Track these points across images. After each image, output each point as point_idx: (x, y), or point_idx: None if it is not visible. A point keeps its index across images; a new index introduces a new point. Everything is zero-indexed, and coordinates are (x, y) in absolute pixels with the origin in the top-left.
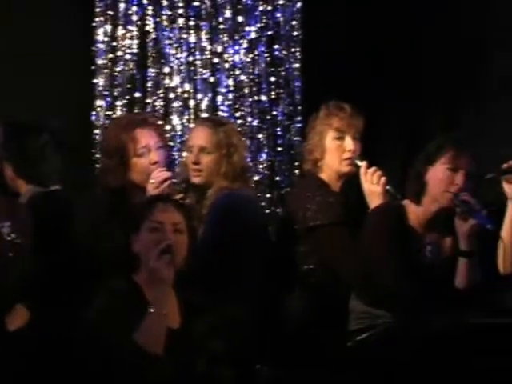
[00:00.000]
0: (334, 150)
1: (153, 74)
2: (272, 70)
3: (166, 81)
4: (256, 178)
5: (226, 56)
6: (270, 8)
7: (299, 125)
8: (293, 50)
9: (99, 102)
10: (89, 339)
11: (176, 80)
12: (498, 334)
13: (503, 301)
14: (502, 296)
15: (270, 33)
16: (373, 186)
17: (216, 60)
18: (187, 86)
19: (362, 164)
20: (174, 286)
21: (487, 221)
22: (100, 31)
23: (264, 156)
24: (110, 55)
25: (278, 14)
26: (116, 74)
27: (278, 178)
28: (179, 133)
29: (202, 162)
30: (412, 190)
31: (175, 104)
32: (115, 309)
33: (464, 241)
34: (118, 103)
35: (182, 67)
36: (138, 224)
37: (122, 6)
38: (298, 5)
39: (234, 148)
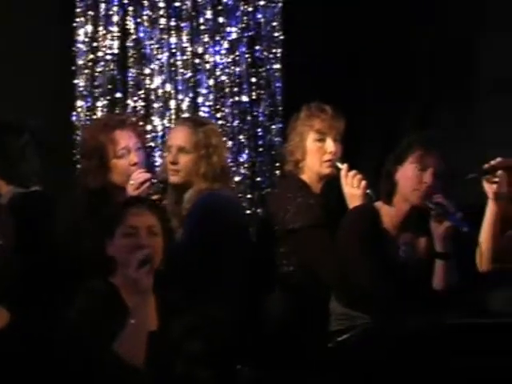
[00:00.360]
0: (315, 152)
1: (134, 75)
2: (253, 70)
3: (147, 81)
4: (237, 178)
5: (206, 57)
6: (250, 9)
7: (280, 125)
8: (274, 50)
9: (80, 103)
10: (70, 340)
11: (157, 81)
12: (475, 334)
13: (482, 301)
14: (481, 296)
15: (250, 33)
16: (353, 189)
17: (197, 61)
18: (168, 87)
19: (343, 167)
20: (153, 286)
21: (462, 223)
22: (81, 31)
23: (245, 157)
24: (91, 56)
25: (259, 15)
26: (97, 74)
27: (258, 179)
28: (160, 133)
29: (181, 161)
30: (383, 190)
31: (156, 105)
32: (94, 309)
33: (440, 243)
34: (99, 104)
35: (162, 68)
36: (112, 229)
37: (102, 6)
38: (279, 6)
39: (214, 149)
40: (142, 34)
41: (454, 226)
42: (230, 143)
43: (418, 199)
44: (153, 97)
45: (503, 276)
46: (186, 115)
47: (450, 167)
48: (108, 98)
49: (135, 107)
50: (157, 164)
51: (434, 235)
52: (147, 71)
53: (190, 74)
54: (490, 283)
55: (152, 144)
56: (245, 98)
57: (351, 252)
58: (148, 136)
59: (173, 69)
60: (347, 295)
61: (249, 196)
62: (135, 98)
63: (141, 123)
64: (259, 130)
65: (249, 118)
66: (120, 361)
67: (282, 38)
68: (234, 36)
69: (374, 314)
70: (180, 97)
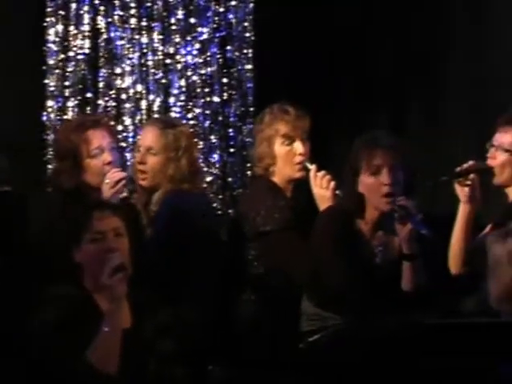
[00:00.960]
0: (285, 156)
1: (105, 75)
2: (224, 71)
3: (118, 81)
4: (208, 179)
5: (178, 57)
6: (222, 9)
7: (251, 126)
8: (245, 51)
9: (50, 103)
10: (42, 347)
11: (128, 81)
12: (446, 335)
13: (453, 302)
14: (452, 297)
15: (222, 34)
16: (322, 190)
17: (168, 61)
18: (139, 87)
19: (312, 167)
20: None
21: (422, 226)
22: (51, 31)
23: (216, 157)
24: (62, 55)
25: (231, 15)
26: (67, 74)
27: (230, 180)
28: (131, 134)
29: (148, 162)
30: (353, 206)
31: (127, 105)
32: (68, 316)
33: (404, 244)
34: (70, 104)
35: (134, 68)
36: (78, 235)
37: (73, 5)
38: (250, 6)
39: (183, 151)
40: (113, 34)
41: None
42: (201, 144)
43: (386, 205)
44: (124, 97)
45: (474, 278)
46: (157, 115)
47: (407, 158)
48: (79, 97)
49: (106, 107)
50: (128, 164)
51: (399, 237)
52: (118, 71)
53: (161, 75)
54: (461, 285)
55: (123, 144)
56: (216, 99)
57: (325, 253)
58: (119, 136)
59: (144, 69)
60: (319, 296)
61: (220, 196)
62: (106, 98)
63: (112, 123)
64: (230, 130)
65: (220, 118)
66: (93, 369)
67: (253, 38)
68: (205, 36)
69: (346, 315)
70: (151, 97)
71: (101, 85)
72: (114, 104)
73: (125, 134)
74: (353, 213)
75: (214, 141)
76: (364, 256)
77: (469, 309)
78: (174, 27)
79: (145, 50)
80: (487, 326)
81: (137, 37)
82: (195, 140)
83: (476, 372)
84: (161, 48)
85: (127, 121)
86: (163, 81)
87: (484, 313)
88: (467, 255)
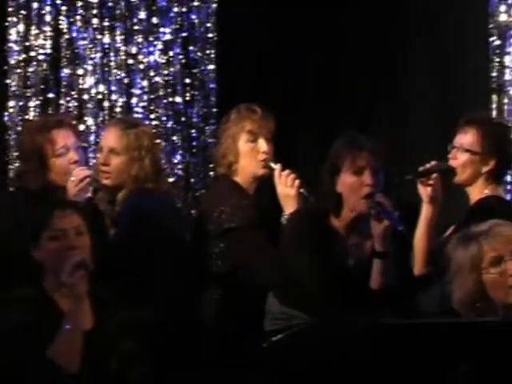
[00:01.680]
0: (248, 153)
1: (67, 75)
2: (187, 71)
3: (80, 81)
4: (171, 179)
5: (140, 57)
6: (184, 9)
7: (214, 127)
8: (208, 51)
9: (12, 103)
10: (3, 347)
11: (90, 81)
12: (407, 334)
13: (416, 302)
14: (415, 297)
15: (184, 34)
16: (287, 188)
17: (131, 61)
18: (101, 87)
19: (276, 167)
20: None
21: (398, 222)
22: (13, 31)
23: (179, 157)
24: (23, 55)
25: (193, 16)
26: (29, 74)
27: (192, 180)
28: (93, 134)
29: (112, 163)
30: (329, 205)
31: (89, 105)
32: (29, 318)
33: (378, 242)
34: (31, 104)
35: (96, 68)
36: (37, 234)
37: (35, 5)
38: (213, 6)
39: (146, 151)
40: (75, 34)
41: (391, 224)
42: (163, 144)
43: (364, 206)
44: (86, 97)
45: (437, 278)
46: (119, 116)
47: (384, 159)
48: (41, 98)
49: (68, 107)
50: (90, 164)
51: (373, 234)
52: (80, 71)
53: (123, 75)
54: (423, 285)
55: (85, 144)
56: (179, 99)
57: (297, 251)
58: (81, 136)
59: (106, 69)
60: (289, 294)
61: (183, 197)
62: (68, 98)
63: (74, 123)
64: (193, 131)
65: (183, 119)
66: (55, 367)
67: (216, 38)
68: (167, 37)
69: (317, 314)
70: (113, 97)
71: (63, 85)
72: (76, 104)
73: (87, 135)
74: (328, 212)
75: (176, 141)
76: (337, 256)
77: (430, 309)
78: (136, 27)
79: (107, 50)
80: (448, 325)
81: (99, 37)
82: (157, 140)
83: (436, 371)
84: (123, 48)
85: (89, 121)
86: (125, 81)
87: (445, 313)
88: (431, 255)
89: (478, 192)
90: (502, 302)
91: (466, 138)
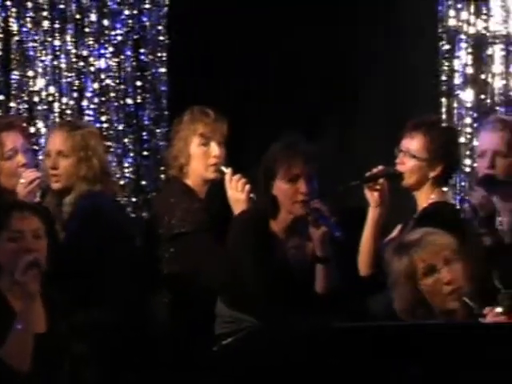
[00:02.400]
0: (200, 156)
1: (17, 77)
2: (138, 74)
3: (30, 84)
4: (122, 182)
5: (91, 60)
6: (136, 12)
7: (165, 129)
8: (159, 54)
9: None
10: None
11: (40, 83)
12: (354, 337)
13: (361, 304)
14: (361, 300)
15: (136, 37)
16: (237, 193)
17: (81, 63)
18: (52, 90)
19: (227, 171)
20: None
21: (335, 228)
22: None
23: (130, 160)
24: None
25: (144, 18)
26: None
27: (143, 183)
28: (44, 137)
29: (60, 166)
30: (266, 208)
31: (40, 107)
32: None
33: (318, 247)
34: None
35: (46, 70)
36: None
37: None
38: (165, 9)
39: (93, 151)
40: (25, 36)
41: (329, 230)
42: (114, 147)
43: (300, 210)
44: (36, 99)
45: (382, 280)
46: (70, 119)
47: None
48: None
49: (18, 110)
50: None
51: (312, 239)
52: (30, 73)
53: (74, 77)
54: (370, 288)
55: (35, 147)
56: (130, 102)
57: (240, 255)
58: (31, 139)
59: (57, 71)
60: (235, 298)
61: (134, 200)
62: (18, 101)
63: (24, 125)
64: (144, 133)
65: (134, 121)
66: (5, 367)
67: (167, 41)
68: (118, 39)
69: (261, 317)
70: (64, 100)
71: (13, 87)
72: (26, 107)
73: (37, 137)
74: (267, 215)
75: (127, 144)
76: (278, 258)
77: (377, 311)
78: (87, 30)
79: (57, 53)
80: (395, 328)
81: (49, 39)
82: (104, 140)
83: (384, 374)
84: (74, 51)
85: (40, 123)
86: (76, 83)
87: (392, 315)
88: (377, 258)
89: (425, 196)
90: (440, 308)
91: (413, 143)
